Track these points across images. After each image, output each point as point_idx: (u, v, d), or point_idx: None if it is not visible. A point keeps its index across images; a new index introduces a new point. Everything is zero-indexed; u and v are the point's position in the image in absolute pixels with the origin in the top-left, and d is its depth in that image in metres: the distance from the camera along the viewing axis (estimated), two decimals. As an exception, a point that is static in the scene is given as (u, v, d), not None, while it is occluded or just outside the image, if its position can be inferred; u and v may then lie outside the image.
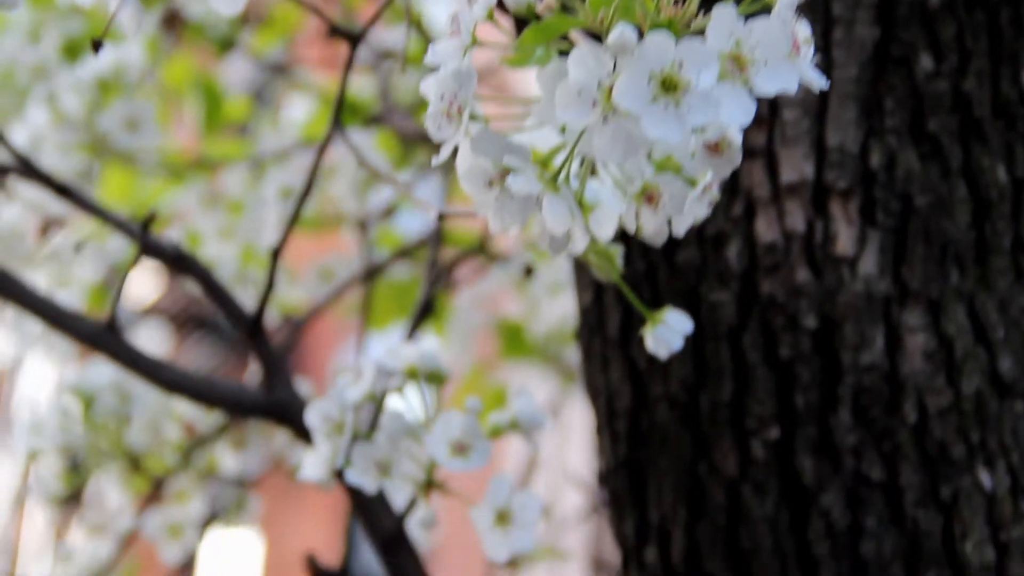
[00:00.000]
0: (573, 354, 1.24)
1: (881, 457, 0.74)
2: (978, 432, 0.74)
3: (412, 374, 0.78)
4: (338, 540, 6.71)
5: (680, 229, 0.56)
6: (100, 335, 0.85)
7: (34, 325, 1.24)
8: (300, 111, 1.36)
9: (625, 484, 0.81)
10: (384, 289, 1.28)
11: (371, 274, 1.10)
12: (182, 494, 1.08)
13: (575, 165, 0.55)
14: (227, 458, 1.08)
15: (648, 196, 0.57)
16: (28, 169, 0.89)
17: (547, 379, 1.26)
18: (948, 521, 0.74)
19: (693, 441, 0.77)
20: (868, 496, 0.74)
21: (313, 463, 0.77)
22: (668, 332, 0.65)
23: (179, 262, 0.84)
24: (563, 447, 1.30)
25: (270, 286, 0.83)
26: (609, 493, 0.84)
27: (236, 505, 1.10)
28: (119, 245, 1.26)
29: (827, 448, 0.74)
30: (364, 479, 0.75)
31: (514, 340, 1.28)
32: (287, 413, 0.85)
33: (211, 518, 1.15)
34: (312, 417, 0.76)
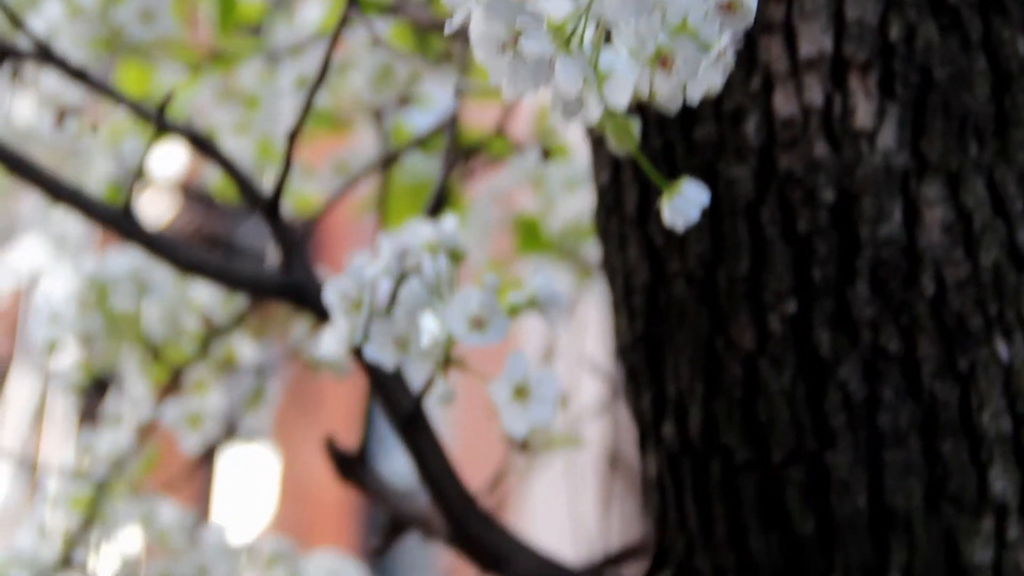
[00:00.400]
0: (590, 249, 1.24)
1: (898, 330, 0.74)
2: (996, 304, 0.74)
3: (431, 251, 0.78)
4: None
5: (694, 95, 0.56)
6: (118, 217, 0.85)
7: (54, 217, 1.24)
8: (315, 11, 1.35)
9: (642, 360, 0.82)
10: (400, 188, 1.28)
11: (387, 163, 1.10)
12: (201, 384, 1.08)
13: (589, 31, 0.55)
14: (245, 348, 1.09)
15: (662, 60, 0.56)
16: (45, 54, 0.89)
17: (563, 275, 1.27)
18: (965, 392, 0.74)
19: (710, 316, 0.78)
20: (885, 368, 0.74)
21: (331, 340, 0.77)
22: (685, 203, 0.65)
23: (196, 142, 0.85)
24: (579, 342, 1.31)
25: (287, 167, 0.83)
26: (626, 370, 0.84)
27: (255, 395, 1.11)
28: (135, 147, 1.26)
29: (844, 321, 0.74)
30: (382, 355, 0.75)
31: (530, 235, 1.28)
32: (305, 294, 0.85)
33: (229, 433, 1.16)
34: (330, 294, 0.76)
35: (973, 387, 0.74)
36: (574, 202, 1.24)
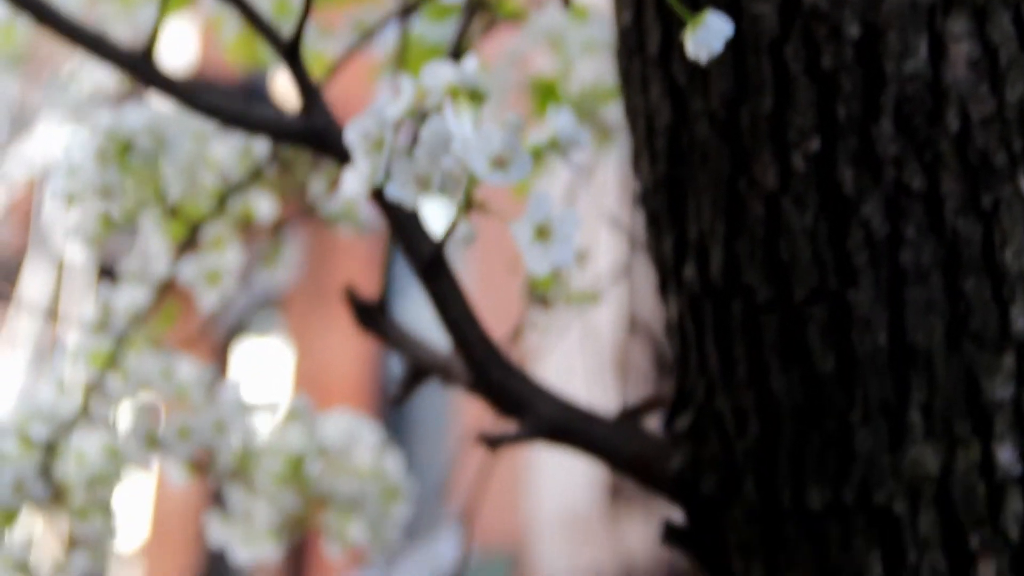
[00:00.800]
0: (608, 112, 1.24)
1: (922, 166, 0.74)
2: (1020, 140, 0.74)
3: (452, 93, 0.77)
4: (364, 353, 6.80)
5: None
6: (137, 61, 0.85)
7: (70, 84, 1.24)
8: None
9: (664, 203, 0.82)
10: (417, 51, 1.27)
11: (405, 12, 1.09)
12: (218, 241, 1.08)
13: None
14: (263, 205, 1.08)
15: None
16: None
17: (579, 157, 1.26)
18: (988, 229, 0.74)
19: (733, 156, 0.77)
20: (908, 205, 0.74)
21: (352, 180, 0.77)
22: (709, 34, 0.65)
23: (215, -16, 0.84)
24: (598, 207, 1.31)
25: (308, 9, 0.83)
26: (647, 214, 0.84)
27: (272, 251, 1.10)
28: (149, 15, 1.25)
29: (868, 158, 0.74)
30: (404, 194, 0.75)
31: (548, 98, 1.27)
32: (326, 138, 0.85)
33: (241, 328, 1.16)
34: (351, 135, 0.76)
35: (996, 224, 0.74)
36: (593, 65, 1.23)
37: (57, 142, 1.33)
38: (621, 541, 4.29)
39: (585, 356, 1.49)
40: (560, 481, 5.41)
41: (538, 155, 0.83)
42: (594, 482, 5.16)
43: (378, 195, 0.80)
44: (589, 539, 5.07)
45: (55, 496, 1.03)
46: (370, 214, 1.08)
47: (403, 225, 0.82)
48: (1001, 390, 0.74)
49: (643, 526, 4.03)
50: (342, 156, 0.83)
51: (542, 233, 0.75)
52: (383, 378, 6.60)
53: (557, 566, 5.35)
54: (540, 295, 1.07)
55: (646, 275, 0.89)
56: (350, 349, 6.67)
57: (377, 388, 6.57)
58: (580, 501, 5.28)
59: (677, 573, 4.17)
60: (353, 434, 1.15)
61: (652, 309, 0.88)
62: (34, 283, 4.26)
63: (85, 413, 1.04)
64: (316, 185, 1.08)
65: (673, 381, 0.86)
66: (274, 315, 7.23)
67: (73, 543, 1.03)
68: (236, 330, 7.20)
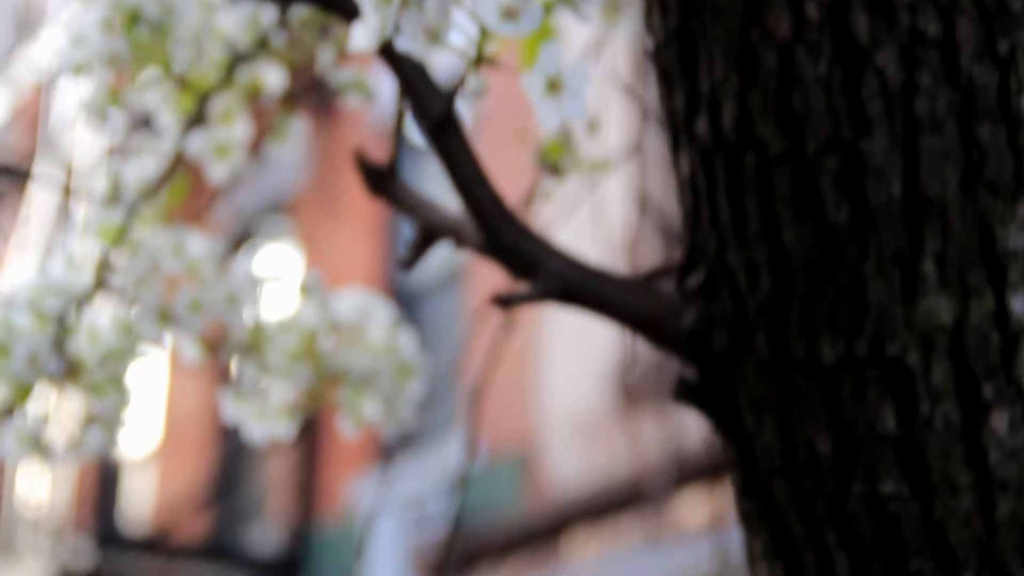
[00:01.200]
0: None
1: (938, 12, 0.73)
2: (1038, -16, 0.73)
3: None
4: (374, 258, 6.81)
5: None
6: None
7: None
8: None
9: (675, 57, 0.81)
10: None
11: None
12: (227, 114, 1.07)
13: None
14: (271, 76, 1.07)
15: None
16: None
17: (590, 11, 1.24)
18: (1004, 76, 0.73)
19: (746, 6, 0.76)
20: (923, 53, 0.73)
21: (362, 34, 0.77)
22: None
23: None
24: (606, 90, 1.29)
25: None
26: (659, 70, 0.83)
27: (281, 122, 1.10)
28: None
29: (882, 5, 0.73)
30: (414, 45, 0.75)
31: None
32: (334, -5, 0.84)
33: (249, 234, 1.15)
34: (359, -12, 0.75)
35: (1012, 70, 0.73)
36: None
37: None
38: (632, 441, 4.32)
39: (595, 238, 1.48)
40: (570, 382, 5.44)
41: (548, 8, 0.82)
42: (604, 382, 5.17)
43: (387, 50, 0.79)
44: (600, 440, 5.10)
45: (69, 372, 1.03)
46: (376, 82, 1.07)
47: (412, 82, 0.82)
48: (1015, 239, 0.73)
49: (654, 425, 4.05)
50: (351, 13, 0.83)
51: (553, 86, 0.75)
52: (393, 283, 6.61)
53: (568, 467, 5.39)
54: (551, 163, 1.06)
55: (657, 154, 0.88)
56: (360, 254, 6.68)
57: (387, 293, 6.59)
58: (591, 402, 5.30)
59: (688, 472, 4.20)
60: (366, 310, 1.15)
61: (663, 189, 0.88)
62: (42, 188, 4.27)
63: (97, 287, 1.04)
64: (324, 55, 1.07)
65: (685, 232, 0.85)
66: (283, 221, 7.24)
67: (87, 419, 1.04)
68: (245, 236, 7.22)
